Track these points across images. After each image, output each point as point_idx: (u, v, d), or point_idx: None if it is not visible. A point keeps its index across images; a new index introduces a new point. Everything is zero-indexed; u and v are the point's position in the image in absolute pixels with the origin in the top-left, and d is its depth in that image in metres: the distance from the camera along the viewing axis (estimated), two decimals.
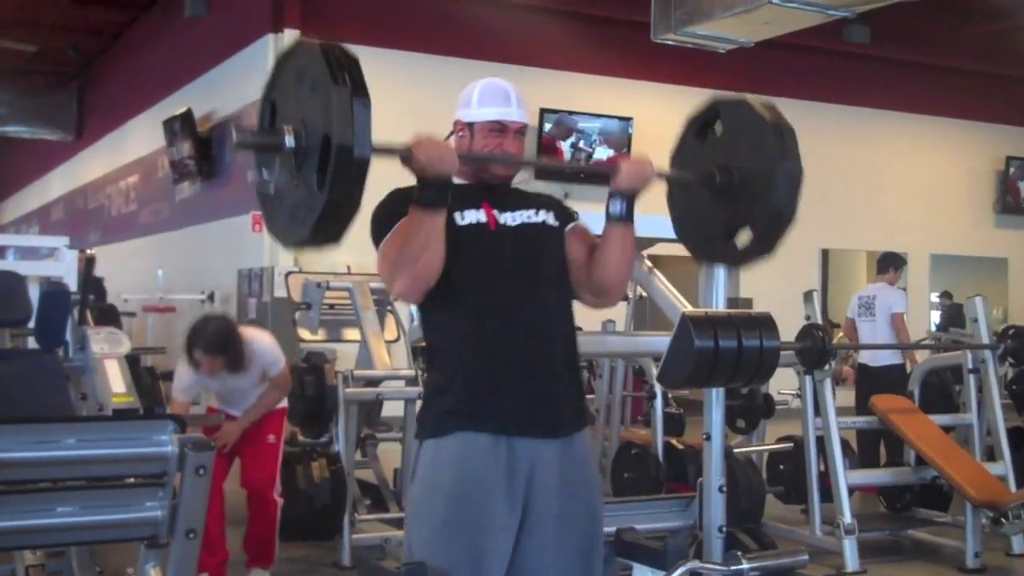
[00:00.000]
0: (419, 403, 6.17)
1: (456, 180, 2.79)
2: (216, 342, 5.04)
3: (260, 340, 5.33)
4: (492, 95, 2.86)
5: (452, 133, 2.90)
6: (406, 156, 2.61)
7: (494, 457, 2.69)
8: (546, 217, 2.89)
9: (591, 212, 3.12)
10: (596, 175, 3.08)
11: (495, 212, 2.82)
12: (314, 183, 2.37)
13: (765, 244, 2.95)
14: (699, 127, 3.08)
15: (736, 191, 2.95)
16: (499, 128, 2.84)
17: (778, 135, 2.92)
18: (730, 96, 3.09)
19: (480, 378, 2.72)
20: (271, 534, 5.42)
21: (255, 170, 2.60)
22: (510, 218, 2.83)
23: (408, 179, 2.69)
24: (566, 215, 2.97)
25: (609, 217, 2.87)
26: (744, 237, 2.97)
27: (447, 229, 2.70)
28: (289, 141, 2.43)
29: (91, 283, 5.82)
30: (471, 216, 2.79)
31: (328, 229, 2.42)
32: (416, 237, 2.63)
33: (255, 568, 5.45)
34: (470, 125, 2.86)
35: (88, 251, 6.17)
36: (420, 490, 2.77)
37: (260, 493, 5.36)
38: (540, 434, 2.73)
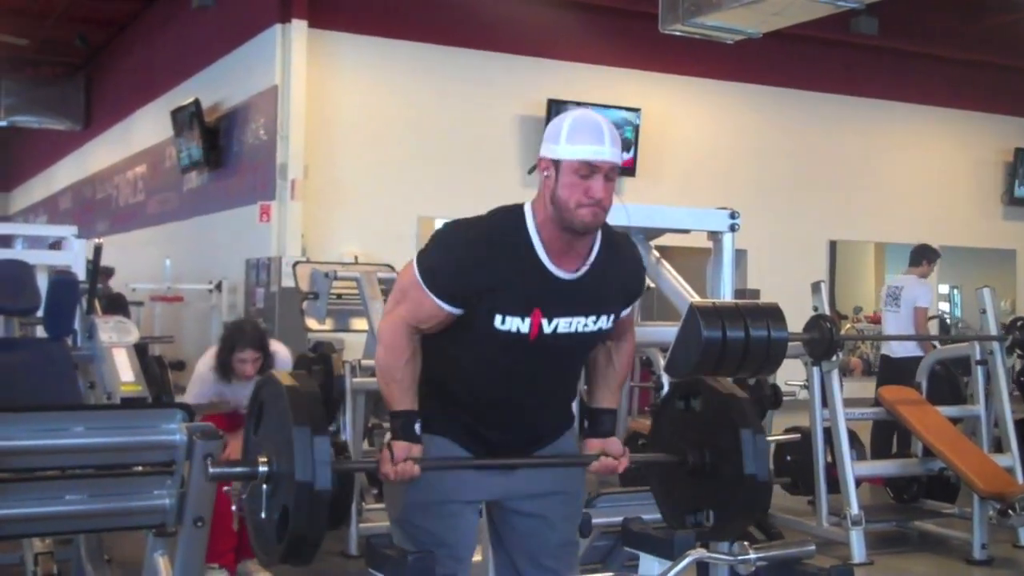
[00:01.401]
0: None
1: (531, 228, 2.64)
2: (258, 339, 5.21)
3: (282, 351, 5.47)
4: (583, 131, 2.59)
5: (535, 167, 2.68)
6: (373, 472, 2.73)
7: (464, 450, 2.79)
8: (604, 322, 2.74)
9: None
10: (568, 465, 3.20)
11: (544, 320, 2.64)
12: (276, 515, 2.55)
13: (726, 528, 2.92)
14: (681, 396, 3.05)
15: (707, 473, 2.90)
16: (588, 169, 2.57)
17: (743, 422, 2.84)
18: (711, 381, 2.99)
19: (463, 419, 2.78)
20: None
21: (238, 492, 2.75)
22: (563, 324, 2.67)
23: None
24: (630, 300, 2.84)
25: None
26: (710, 517, 2.93)
27: (483, 320, 2.63)
28: (263, 470, 2.59)
29: (100, 272, 5.82)
30: (513, 323, 2.62)
31: (295, 555, 2.57)
32: (382, 390, 2.72)
33: (247, 560, 5.42)
34: (556, 163, 2.60)
35: (96, 240, 6.17)
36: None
37: None
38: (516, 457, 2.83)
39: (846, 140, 14.41)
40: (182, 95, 13.91)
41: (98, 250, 5.81)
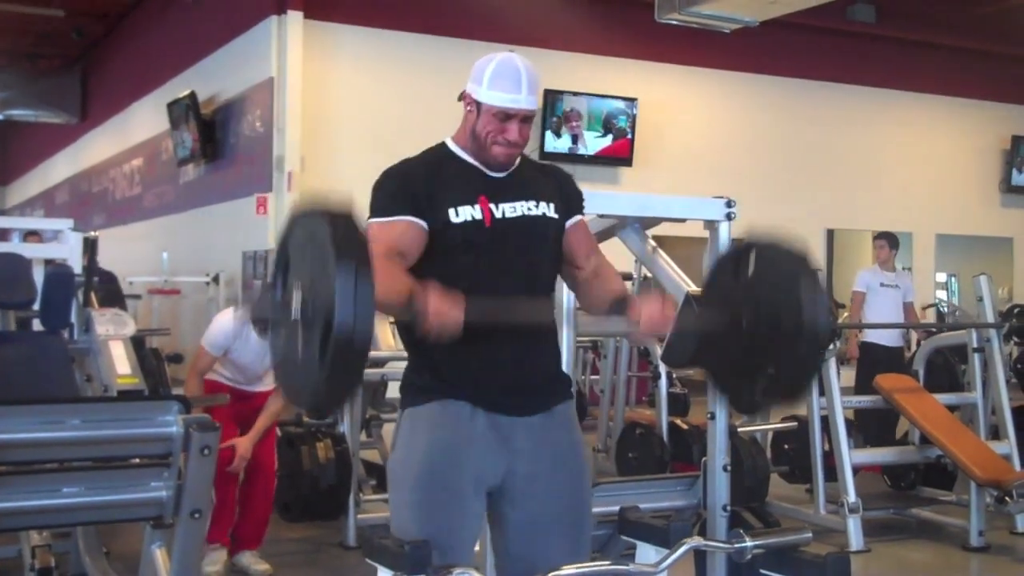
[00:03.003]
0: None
1: (455, 149, 2.82)
2: None
3: None
4: (503, 78, 2.76)
5: (461, 97, 2.83)
6: (415, 313, 2.51)
7: (470, 420, 2.74)
8: (546, 208, 2.83)
9: (599, 191, 3.10)
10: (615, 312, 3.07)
11: (491, 206, 2.76)
12: (315, 358, 2.34)
13: (783, 392, 2.91)
14: (732, 266, 2.98)
15: (762, 336, 2.83)
16: (504, 115, 2.75)
17: (810, 284, 2.80)
18: (765, 237, 2.93)
19: (456, 360, 2.72)
20: (269, 513, 5.45)
21: (270, 330, 2.60)
22: (508, 209, 2.77)
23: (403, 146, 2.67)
24: (570, 203, 2.91)
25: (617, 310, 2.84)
26: (762, 379, 2.89)
27: (440, 222, 2.70)
28: (295, 313, 2.39)
29: (95, 270, 5.82)
30: (465, 212, 2.73)
31: (329, 402, 2.48)
32: (391, 302, 2.53)
33: (246, 551, 5.44)
34: (478, 104, 2.77)
35: (92, 233, 6.16)
36: (397, 455, 2.83)
37: (266, 468, 5.38)
38: (517, 414, 2.77)
39: (843, 129, 14.42)
40: (178, 87, 13.90)
41: (94, 243, 5.81)
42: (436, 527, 2.68)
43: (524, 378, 2.80)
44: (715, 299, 3.02)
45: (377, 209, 2.75)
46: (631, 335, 2.87)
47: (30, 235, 9.24)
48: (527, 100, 2.77)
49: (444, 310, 2.48)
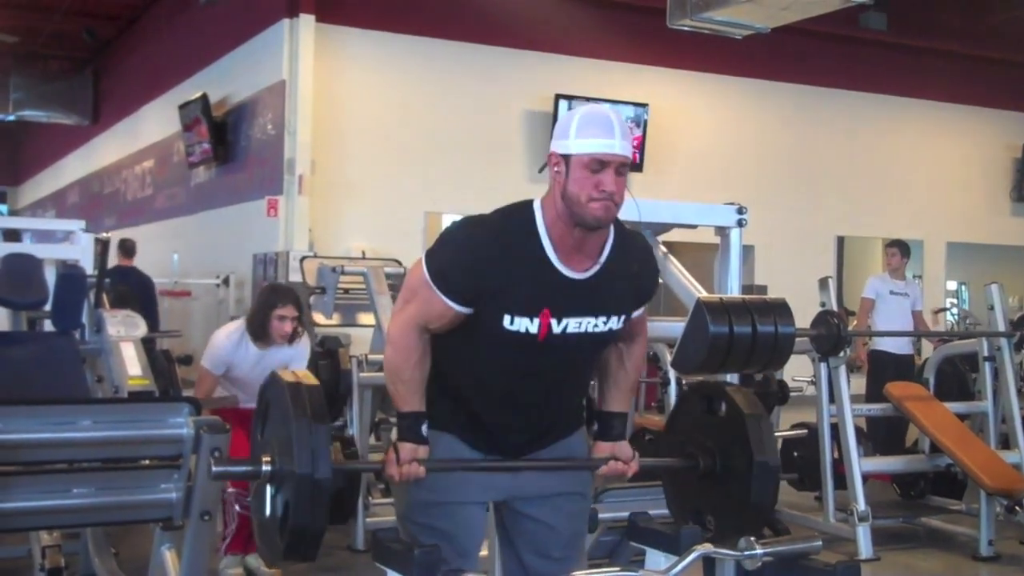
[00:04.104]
0: None
1: (540, 227, 2.61)
2: (295, 298, 5.24)
3: (304, 338, 5.47)
4: (593, 125, 2.56)
5: (545, 166, 2.65)
6: (379, 472, 2.75)
7: (471, 450, 2.79)
8: (614, 323, 2.71)
9: None
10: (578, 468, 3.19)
11: (553, 320, 2.61)
12: (280, 511, 2.56)
13: (725, 537, 2.95)
14: (703, 399, 3.06)
15: (717, 481, 2.91)
16: (599, 164, 2.54)
17: (756, 432, 2.86)
18: (732, 388, 3.02)
19: (471, 417, 2.77)
20: None
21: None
22: (572, 324, 2.64)
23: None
24: (641, 299, 2.81)
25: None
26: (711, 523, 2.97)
27: (493, 324, 2.62)
28: (266, 469, 2.59)
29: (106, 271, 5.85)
30: (522, 324, 2.60)
31: (296, 550, 2.56)
32: (391, 391, 2.73)
33: (255, 553, 5.42)
34: (566, 158, 2.57)
35: (104, 234, 6.18)
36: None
37: None
38: (519, 457, 2.83)
39: (854, 136, 14.39)
40: (190, 90, 13.93)
41: (105, 245, 5.82)
42: (440, 536, 2.70)
43: (538, 435, 2.83)
44: (680, 423, 3.12)
45: (434, 273, 2.63)
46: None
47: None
48: (621, 145, 2.56)
49: (410, 471, 2.67)
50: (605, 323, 2.68)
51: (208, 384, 5.32)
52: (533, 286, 2.59)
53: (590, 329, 2.67)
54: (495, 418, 2.76)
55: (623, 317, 2.72)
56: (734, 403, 2.94)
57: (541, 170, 2.68)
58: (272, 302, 5.24)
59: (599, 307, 2.67)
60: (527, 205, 2.66)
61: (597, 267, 2.65)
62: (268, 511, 2.58)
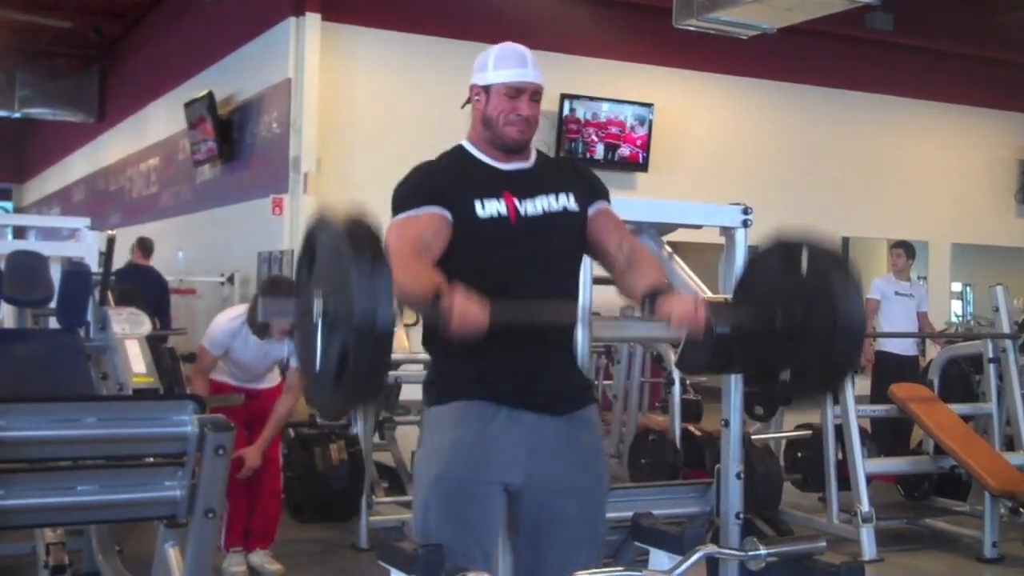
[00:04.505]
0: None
1: (472, 149, 2.87)
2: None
3: None
4: (508, 58, 2.88)
5: (468, 100, 2.93)
6: (440, 313, 2.49)
7: (492, 420, 2.74)
8: (566, 201, 2.87)
9: (612, 197, 3.09)
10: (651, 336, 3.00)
11: (515, 201, 2.79)
12: (335, 356, 2.36)
13: (804, 390, 2.93)
14: (765, 261, 3.02)
15: (794, 337, 2.83)
16: (515, 91, 2.84)
17: (847, 289, 2.83)
18: (796, 234, 2.97)
19: (477, 361, 2.71)
20: (279, 509, 5.46)
21: (295, 327, 2.61)
22: (531, 206, 2.81)
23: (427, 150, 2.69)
24: (589, 190, 2.94)
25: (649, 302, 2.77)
26: (785, 376, 2.90)
27: (467, 218, 2.73)
28: (317, 311, 2.40)
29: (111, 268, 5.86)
30: (492, 207, 2.77)
31: (355, 397, 2.49)
32: (415, 297, 2.55)
33: (258, 549, 5.45)
34: (486, 88, 2.87)
35: (109, 231, 6.19)
36: (421, 452, 2.85)
37: (271, 464, 5.39)
38: (538, 410, 2.78)
39: (859, 137, 14.37)
40: (196, 88, 13.93)
41: (111, 242, 5.83)
42: (458, 524, 2.69)
43: (543, 377, 2.80)
44: (753, 295, 3.01)
45: (402, 205, 2.77)
46: (655, 339, 2.85)
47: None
48: (534, 74, 2.87)
49: (469, 311, 2.46)
50: (557, 199, 2.84)
51: (207, 361, 5.40)
52: (483, 179, 2.82)
53: (549, 208, 2.83)
54: (498, 351, 2.68)
55: (572, 196, 2.87)
56: (817, 257, 2.91)
57: (464, 105, 2.94)
58: (270, 290, 5.26)
59: (547, 187, 2.86)
60: (456, 145, 2.95)
61: (529, 163, 2.90)
62: (320, 358, 2.41)
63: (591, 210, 2.91)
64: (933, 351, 8.60)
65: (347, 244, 2.34)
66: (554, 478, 2.78)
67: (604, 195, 2.98)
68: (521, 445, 2.75)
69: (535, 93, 2.87)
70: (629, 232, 3.03)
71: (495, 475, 2.75)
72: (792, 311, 2.83)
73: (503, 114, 2.83)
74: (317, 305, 2.40)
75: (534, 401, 2.77)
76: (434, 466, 2.75)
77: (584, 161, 12.14)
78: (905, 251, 8.78)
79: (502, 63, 2.87)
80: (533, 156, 2.92)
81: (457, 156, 2.91)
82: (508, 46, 2.91)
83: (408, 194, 2.79)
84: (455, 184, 2.79)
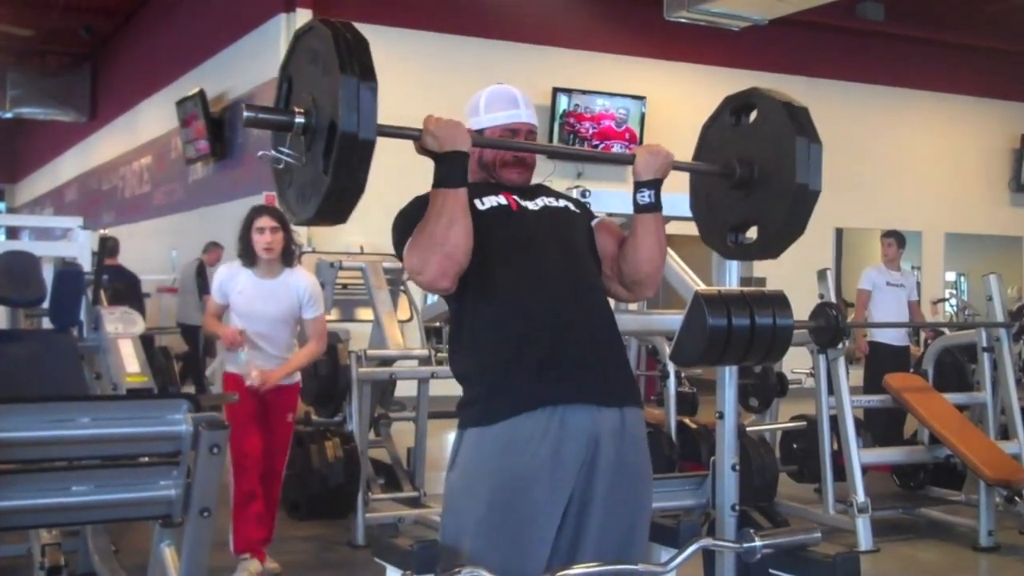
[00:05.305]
0: (432, 383, 6.27)
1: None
2: (275, 212, 5.16)
3: (309, 274, 5.42)
4: (499, 100, 2.83)
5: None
6: (417, 137, 2.58)
7: (541, 439, 2.54)
8: (567, 204, 2.85)
9: (605, 191, 3.10)
10: (614, 162, 3.01)
11: (515, 198, 2.76)
12: (320, 165, 2.36)
13: (770, 245, 2.94)
14: (733, 110, 3.01)
15: (754, 187, 2.89)
16: (509, 133, 2.79)
17: (805, 137, 2.83)
18: (768, 90, 2.97)
19: (521, 346, 2.57)
20: (275, 512, 5.42)
21: (272, 144, 2.59)
22: (531, 204, 2.78)
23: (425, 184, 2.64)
24: (586, 212, 2.92)
25: (637, 207, 2.78)
26: (751, 233, 2.96)
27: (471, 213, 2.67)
28: (299, 121, 2.42)
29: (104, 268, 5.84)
30: (491, 201, 2.73)
31: (333, 210, 2.41)
32: (440, 216, 2.52)
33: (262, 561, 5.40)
34: (480, 132, 2.79)
35: (102, 231, 6.18)
36: (461, 480, 2.63)
37: (275, 474, 5.34)
38: (594, 400, 2.60)
39: (852, 127, 14.38)
40: (187, 85, 13.92)
41: (103, 241, 5.82)
42: (504, 557, 2.50)
43: (595, 358, 2.65)
44: (712, 145, 3.06)
45: (407, 225, 2.66)
46: (636, 179, 2.80)
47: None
48: (527, 114, 2.81)
49: (446, 122, 2.59)
50: (557, 201, 2.84)
51: (212, 308, 5.29)
52: (484, 186, 2.78)
53: (551, 204, 2.81)
54: (539, 321, 2.61)
55: (572, 205, 2.87)
56: (767, 99, 2.93)
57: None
58: (250, 217, 5.20)
59: (547, 193, 2.86)
60: None
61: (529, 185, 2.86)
62: (297, 167, 2.45)
63: (593, 222, 2.88)
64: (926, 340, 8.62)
65: (335, 54, 2.33)
66: (594, 496, 2.60)
67: (590, 211, 2.97)
68: (570, 465, 2.57)
69: (529, 134, 2.82)
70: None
71: (543, 507, 2.56)
72: (748, 162, 2.89)
73: (499, 158, 2.78)
74: (299, 116, 2.42)
75: (585, 388, 2.60)
76: (483, 499, 2.56)
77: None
78: (896, 240, 8.79)
79: (493, 106, 2.82)
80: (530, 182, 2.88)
81: None
82: (498, 88, 2.86)
83: (410, 221, 2.65)
84: None
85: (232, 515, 5.15)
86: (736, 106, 3.02)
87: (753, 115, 2.96)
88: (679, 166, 2.89)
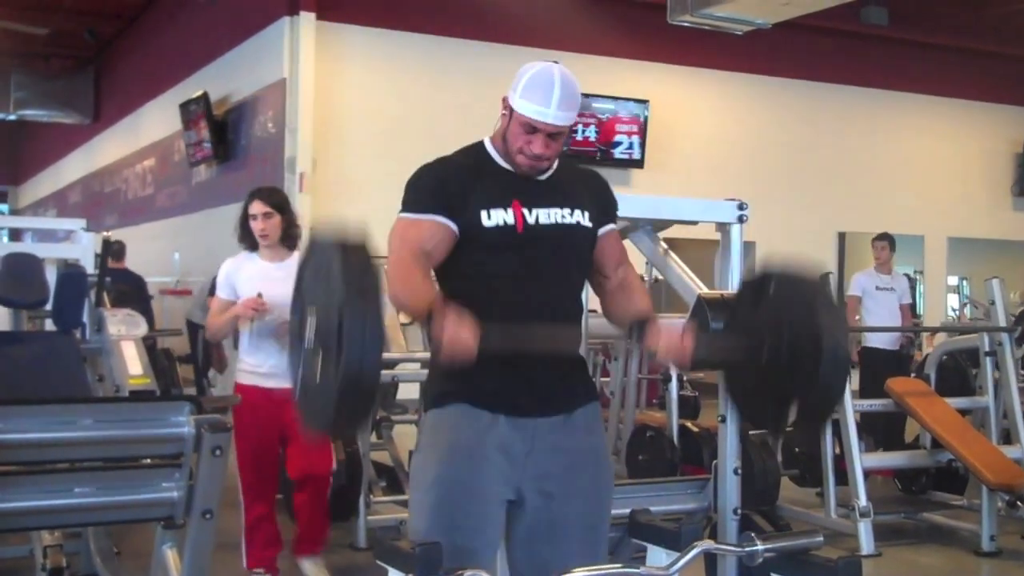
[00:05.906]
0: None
1: (492, 151, 2.78)
2: (269, 195, 5.07)
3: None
4: (535, 90, 2.70)
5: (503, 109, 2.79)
6: (431, 336, 2.53)
7: (490, 428, 2.70)
8: (580, 216, 2.79)
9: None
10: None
11: (525, 210, 2.71)
12: (328, 387, 2.36)
13: (812, 417, 2.93)
14: (752, 291, 2.99)
15: (784, 366, 2.83)
16: (530, 127, 2.69)
17: (826, 309, 2.83)
18: (780, 264, 2.97)
19: (477, 366, 2.59)
20: (327, 517, 5.30)
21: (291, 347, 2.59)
22: (543, 215, 2.73)
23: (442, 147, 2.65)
24: (604, 211, 2.89)
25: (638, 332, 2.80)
26: (792, 408, 2.91)
27: (473, 225, 2.68)
28: (308, 338, 2.41)
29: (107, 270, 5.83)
30: (498, 216, 2.69)
31: (340, 428, 2.46)
32: (410, 311, 2.61)
33: (307, 555, 5.29)
34: (511, 110, 2.73)
35: (105, 233, 6.18)
36: (418, 456, 2.80)
37: (323, 479, 5.17)
38: (537, 415, 2.74)
39: (855, 131, 14.39)
40: (191, 88, 13.93)
41: (107, 243, 5.82)
42: (456, 528, 2.64)
43: (546, 381, 2.76)
44: (735, 328, 3.02)
45: (409, 204, 2.75)
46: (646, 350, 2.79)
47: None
48: (555, 116, 2.68)
49: (459, 337, 2.46)
50: (571, 214, 2.78)
51: (217, 307, 5.06)
52: (498, 186, 2.74)
53: (560, 220, 2.76)
54: (500, 356, 2.64)
55: (587, 214, 2.81)
56: (781, 277, 2.91)
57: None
58: (246, 204, 5.06)
59: (562, 200, 2.78)
60: (478, 141, 2.86)
61: (548, 173, 2.80)
62: (313, 379, 2.41)
63: (601, 231, 2.86)
64: (930, 343, 8.60)
65: (344, 284, 2.32)
66: (549, 479, 2.74)
67: (615, 216, 2.94)
68: (518, 451, 2.72)
69: (554, 135, 2.71)
70: (626, 256, 2.98)
71: (492, 482, 2.71)
72: (777, 343, 2.83)
73: (517, 144, 2.72)
74: (311, 327, 2.41)
75: (531, 406, 2.74)
76: (430, 470, 2.71)
77: (583, 159, 12.16)
78: (889, 243, 8.80)
79: (528, 93, 2.70)
80: (555, 164, 2.82)
81: (474, 155, 2.81)
82: (543, 73, 2.73)
83: (417, 194, 2.75)
84: (464, 190, 2.71)
85: (243, 533, 5.07)
86: (754, 287, 3.00)
87: (771, 290, 2.92)
88: (698, 364, 2.82)
